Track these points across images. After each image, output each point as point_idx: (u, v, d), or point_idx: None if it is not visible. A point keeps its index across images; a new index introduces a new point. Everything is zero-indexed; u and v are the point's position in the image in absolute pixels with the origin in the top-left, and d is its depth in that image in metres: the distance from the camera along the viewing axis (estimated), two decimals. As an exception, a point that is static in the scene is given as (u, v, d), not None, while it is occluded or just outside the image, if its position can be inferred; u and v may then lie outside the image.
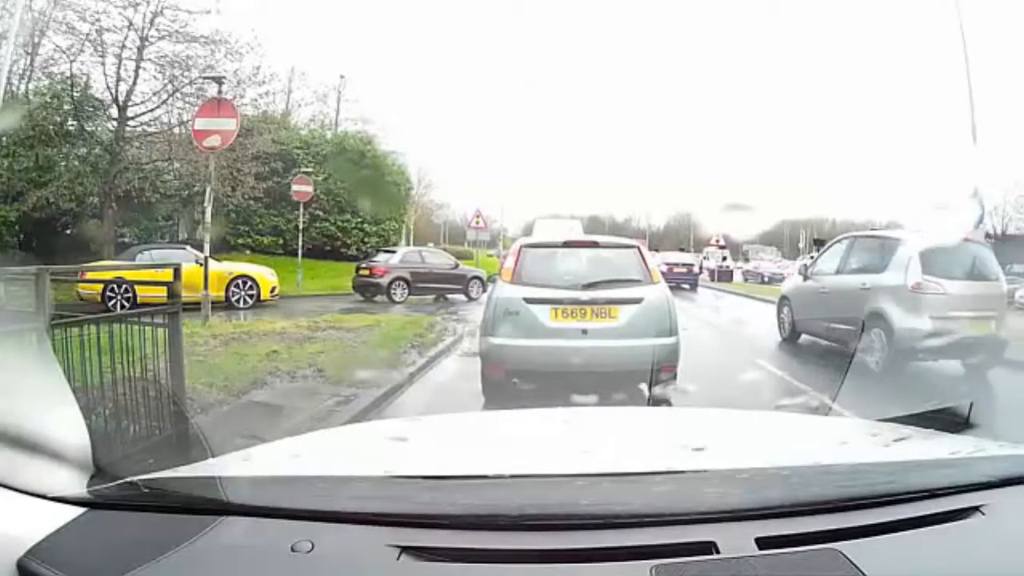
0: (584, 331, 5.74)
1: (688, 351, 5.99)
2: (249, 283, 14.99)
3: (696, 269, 24.34)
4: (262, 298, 14.96)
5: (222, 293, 14.16)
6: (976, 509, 1.27)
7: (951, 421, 2.00)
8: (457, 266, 18.81)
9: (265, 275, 15.44)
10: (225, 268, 14.95)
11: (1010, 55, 36.60)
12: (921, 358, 7.90)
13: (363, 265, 18.05)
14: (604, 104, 68.47)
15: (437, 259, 18.85)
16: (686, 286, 22.60)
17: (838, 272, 9.44)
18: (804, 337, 10.11)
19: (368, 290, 17.15)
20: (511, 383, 5.86)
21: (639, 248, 6.47)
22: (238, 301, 14.65)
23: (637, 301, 5.84)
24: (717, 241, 26.29)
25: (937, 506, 1.27)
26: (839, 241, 10.27)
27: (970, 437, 1.79)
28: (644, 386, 5.74)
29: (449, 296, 17.70)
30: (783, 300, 10.89)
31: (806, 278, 10.19)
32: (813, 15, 70.48)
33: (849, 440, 1.91)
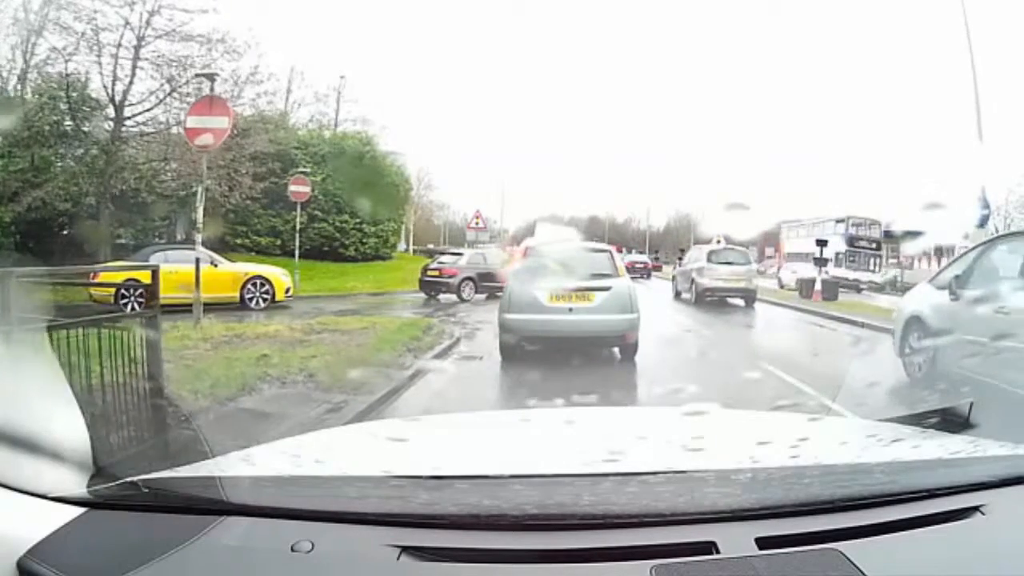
0: (570, 309, 7.86)
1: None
2: (264, 284, 14.98)
3: (649, 265, 35.34)
4: (277, 299, 14.95)
5: (237, 294, 14.29)
6: (976, 509, 1.27)
7: (951, 421, 2.00)
8: None
9: (279, 276, 15.48)
10: (240, 269, 15.08)
11: (1013, 54, 36.80)
12: (709, 297, 17.10)
13: (432, 266, 18.85)
14: (604, 105, 68.66)
15: (496, 260, 19.55)
16: (644, 277, 31.94)
17: (690, 262, 18.91)
18: (682, 295, 19.02)
19: (436, 288, 17.96)
20: (520, 345, 8.12)
21: (611, 252, 8.91)
22: (253, 302, 14.64)
23: (607, 289, 7.98)
24: (718, 242, 26.23)
25: (937, 506, 1.27)
26: (692, 248, 21.66)
27: (970, 437, 1.79)
28: (617, 350, 8.41)
29: (499, 295, 17.97)
30: (673, 277, 21.74)
31: (681, 266, 20.79)
32: (815, 15, 70.75)
33: (849, 440, 1.92)
